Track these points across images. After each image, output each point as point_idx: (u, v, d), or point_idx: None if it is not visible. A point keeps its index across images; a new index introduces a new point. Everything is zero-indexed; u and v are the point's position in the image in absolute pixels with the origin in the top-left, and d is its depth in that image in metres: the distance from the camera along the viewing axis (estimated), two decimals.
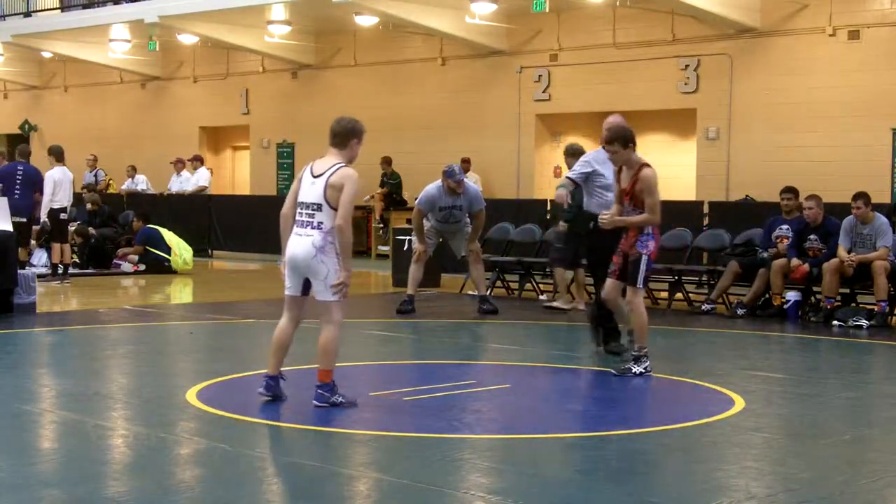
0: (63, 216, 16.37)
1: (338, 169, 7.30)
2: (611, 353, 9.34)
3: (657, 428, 7.09)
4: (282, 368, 7.53)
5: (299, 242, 7.34)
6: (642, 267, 8.63)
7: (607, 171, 9.35)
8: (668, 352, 9.74)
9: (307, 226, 7.32)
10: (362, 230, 21.66)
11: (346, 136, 7.38)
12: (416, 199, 13.62)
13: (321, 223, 7.27)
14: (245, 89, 25.68)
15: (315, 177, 7.36)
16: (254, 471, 5.97)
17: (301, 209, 7.38)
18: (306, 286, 7.43)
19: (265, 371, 7.50)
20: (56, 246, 16.39)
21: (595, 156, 9.80)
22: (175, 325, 12.22)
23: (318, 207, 7.29)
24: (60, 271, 16.33)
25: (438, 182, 13.02)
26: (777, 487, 5.70)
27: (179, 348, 10.76)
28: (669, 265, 13.58)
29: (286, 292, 7.50)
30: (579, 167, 9.88)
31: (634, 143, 8.75)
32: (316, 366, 7.45)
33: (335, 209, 7.25)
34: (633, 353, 8.78)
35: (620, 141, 8.69)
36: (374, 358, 9.73)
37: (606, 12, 19.84)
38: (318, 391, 7.38)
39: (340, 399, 7.38)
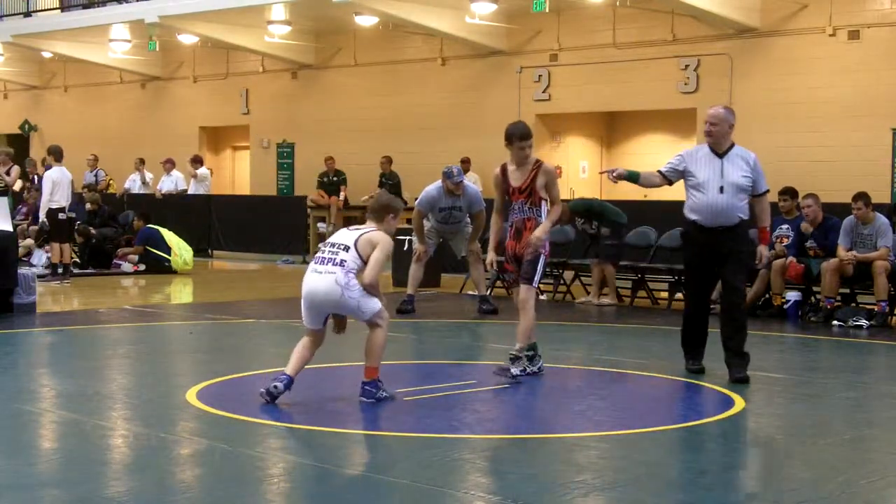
0: (62, 216, 16.37)
1: (376, 231, 7.48)
2: (738, 382, 8.37)
3: (657, 428, 7.09)
4: (284, 368, 7.52)
5: (320, 280, 7.34)
6: (540, 266, 8.44)
7: (700, 169, 8.54)
8: (669, 352, 9.72)
9: (329, 262, 7.36)
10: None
11: (382, 212, 7.60)
12: (415, 199, 13.64)
13: (344, 261, 7.32)
14: (245, 89, 25.69)
15: (350, 230, 7.56)
16: (254, 471, 5.97)
17: (325, 247, 7.50)
18: (326, 319, 7.49)
19: (284, 370, 7.47)
20: (55, 246, 16.41)
21: (692, 152, 8.75)
22: (175, 325, 12.22)
23: (346, 248, 7.37)
24: (60, 271, 16.35)
25: (438, 183, 13.03)
26: (777, 487, 5.70)
27: (179, 348, 10.76)
28: (670, 265, 13.58)
29: (306, 326, 7.54)
30: (673, 161, 8.76)
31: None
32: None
33: (361, 258, 7.33)
34: (513, 353, 8.47)
35: (531, 136, 8.54)
36: None
37: (606, 12, 19.85)
38: (365, 387, 7.47)
39: (384, 394, 7.50)
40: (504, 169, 8.57)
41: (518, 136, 8.47)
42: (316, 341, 7.56)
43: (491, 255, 8.83)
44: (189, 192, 22.99)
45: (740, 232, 8.61)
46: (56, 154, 16.61)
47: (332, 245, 7.46)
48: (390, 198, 7.85)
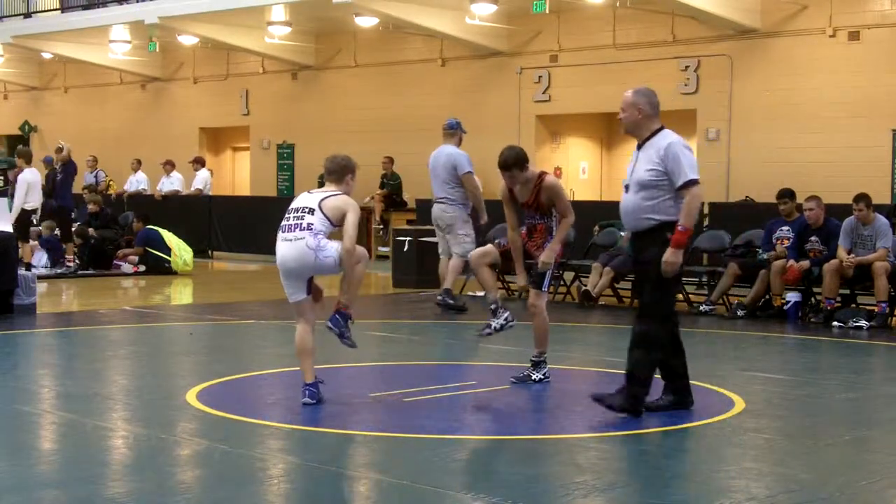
0: (34, 217, 16.79)
1: (339, 194, 7.43)
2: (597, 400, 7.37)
3: (657, 429, 7.09)
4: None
5: (290, 248, 7.29)
6: (549, 271, 8.36)
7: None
8: None
9: (295, 228, 7.29)
10: (362, 231, 21.67)
11: (341, 173, 7.53)
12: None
13: (311, 224, 7.26)
14: (245, 90, 25.69)
15: (311, 193, 7.51)
16: (254, 471, 5.97)
17: (290, 214, 7.39)
18: (308, 286, 7.43)
19: (303, 380, 7.46)
20: (26, 246, 16.45)
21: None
22: (175, 326, 12.22)
23: (311, 211, 7.30)
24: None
25: (450, 147, 13.24)
26: (777, 488, 5.70)
27: (179, 349, 10.76)
28: None
29: (291, 300, 7.49)
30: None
31: (528, 160, 8.33)
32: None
33: (329, 220, 7.28)
34: (533, 358, 8.47)
35: (518, 166, 8.21)
36: (374, 359, 9.72)
37: (606, 13, 19.84)
38: (336, 315, 7.45)
39: (348, 337, 7.47)
40: (510, 191, 8.43)
41: (500, 166, 8.27)
42: (308, 321, 7.48)
43: (521, 280, 8.42)
44: (190, 189, 23.03)
45: (654, 239, 7.21)
46: (27, 156, 16.96)
47: (297, 210, 7.38)
48: (346, 157, 7.67)
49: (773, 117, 18.39)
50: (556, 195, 8.31)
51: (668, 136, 7.24)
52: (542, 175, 8.35)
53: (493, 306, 8.59)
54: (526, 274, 8.44)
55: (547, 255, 8.26)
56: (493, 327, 8.54)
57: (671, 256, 7.10)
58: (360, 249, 7.42)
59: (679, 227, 7.11)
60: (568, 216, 8.34)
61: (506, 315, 8.55)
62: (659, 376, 7.46)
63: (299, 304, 7.46)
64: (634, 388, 7.23)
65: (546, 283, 8.42)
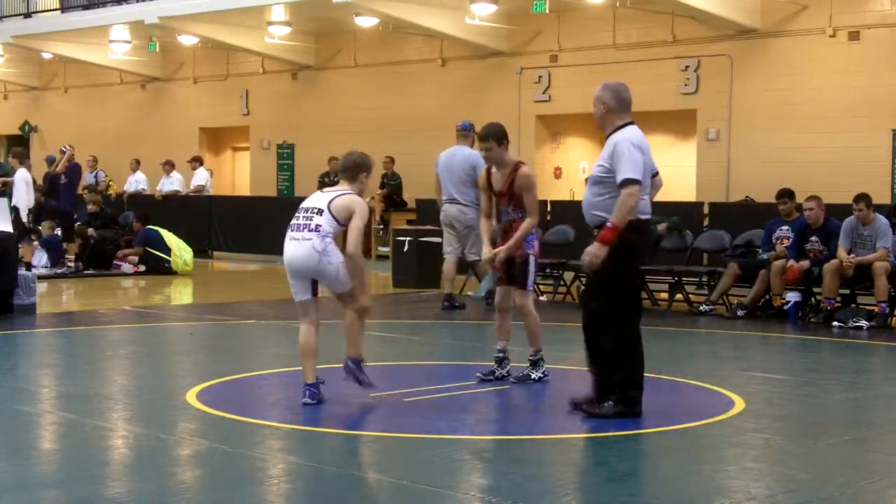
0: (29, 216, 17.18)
1: (349, 193, 7.42)
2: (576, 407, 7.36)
3: (657, 429, 7.09)
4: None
5: (298, 248, 7.32)
6: (530, 268, 8.30)
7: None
8: (669, 353, 9.72)
9: (304, 228, 7.32)
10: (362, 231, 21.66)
11: (355, 170, 7.51)
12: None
13: (319, 226, 7.28)
14: (245, 90, 25.70)
15: (323, 192, 7.51)
16: (254, 471, 5.97)
17: (300, 213, 7.43)
18: (314, 286, 7.44)
19: (304, 381, 7.46)
20: (25, 246, 16.53)
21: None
22: (175, 326, 12.22)
23: (320, 212, 7.32)
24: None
25: (465, 150, 13.00)
26: (777, 488, 5.70)
27: (179, 349, 10.76)
28: (669, 266, 13.58)
29: (296, 300, 7.50)
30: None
31: (508, 141, 8.28)
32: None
33: (336, 221, 7.29)
34: (530, 357, 8.47)
35: (495, 137, 8.17)
36: (374, 359, 9.68)
37: (606, 13, 19.85)
38: (348, 362, 7.49)
39: (365, 380, 7.50)
40: (489, 170, 8.44)
41: (478, 137, 8.36)
42: (312, 321, 7.48)
43: (486, 249, 8.39)
44: (186, 188, 23.05)
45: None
46: (20, 157, 17.17)
47: (307, 210, 7.40)
48: (362, 155, 7.63)
49: (773, 117, 18.40)
50: (526, 188, 8.20)
51: (623, 133, 7.11)
52: (518, 164, 8.31)
53: (499, 355, 8.55)
54: (491, 249, 8.34)
55: (504, 251, 8.18)
56: (495, 374, 8.47)
57: (593, 249, 6.95)
58: (367, 299, 7.48)
59: (608, 224, 6.96)
60: (532, 216, 8.24)
61: (508, 368, 8.52)
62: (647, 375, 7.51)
63: (304, 303, 7.48)
64: (629, 393, 7.24)
65: (530, 282, 8.39)
